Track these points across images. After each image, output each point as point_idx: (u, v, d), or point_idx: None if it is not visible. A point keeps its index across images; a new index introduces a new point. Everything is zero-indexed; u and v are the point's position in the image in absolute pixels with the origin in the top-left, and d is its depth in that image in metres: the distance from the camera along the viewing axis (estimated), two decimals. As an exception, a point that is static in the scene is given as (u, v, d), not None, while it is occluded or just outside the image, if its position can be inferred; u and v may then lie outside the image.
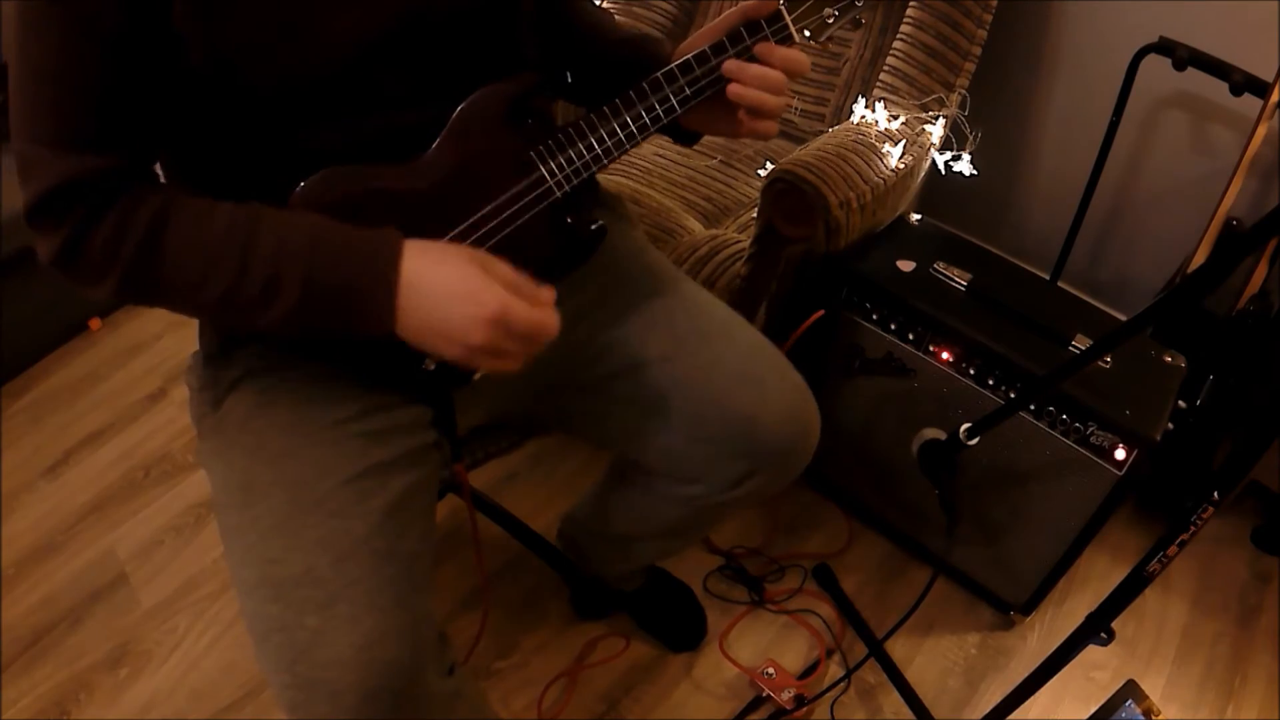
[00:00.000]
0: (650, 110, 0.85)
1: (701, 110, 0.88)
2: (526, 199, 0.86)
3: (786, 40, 0.84)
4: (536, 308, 0.76)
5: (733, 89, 0.83)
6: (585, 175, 0.87)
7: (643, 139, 0.87)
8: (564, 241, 0.91)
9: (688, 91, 0.85)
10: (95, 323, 2.05)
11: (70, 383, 1.93)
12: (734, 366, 1.00)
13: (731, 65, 0.83)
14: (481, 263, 0.76)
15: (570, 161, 0.86)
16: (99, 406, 1.89)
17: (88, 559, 1.62)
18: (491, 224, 0.85)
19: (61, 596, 1.56)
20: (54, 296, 1.93)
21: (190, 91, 0.75)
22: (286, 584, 0.78)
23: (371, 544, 0.80)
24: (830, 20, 0.85)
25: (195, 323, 0.95)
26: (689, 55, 0.84)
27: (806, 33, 0.85)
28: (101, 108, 0.72)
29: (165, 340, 2.03)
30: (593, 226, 0.92)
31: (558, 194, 0.87)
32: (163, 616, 1.53)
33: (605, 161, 0.87)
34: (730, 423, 0.99)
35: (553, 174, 0.86)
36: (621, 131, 0.85)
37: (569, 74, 1.02)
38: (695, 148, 1.71)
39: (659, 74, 0.84)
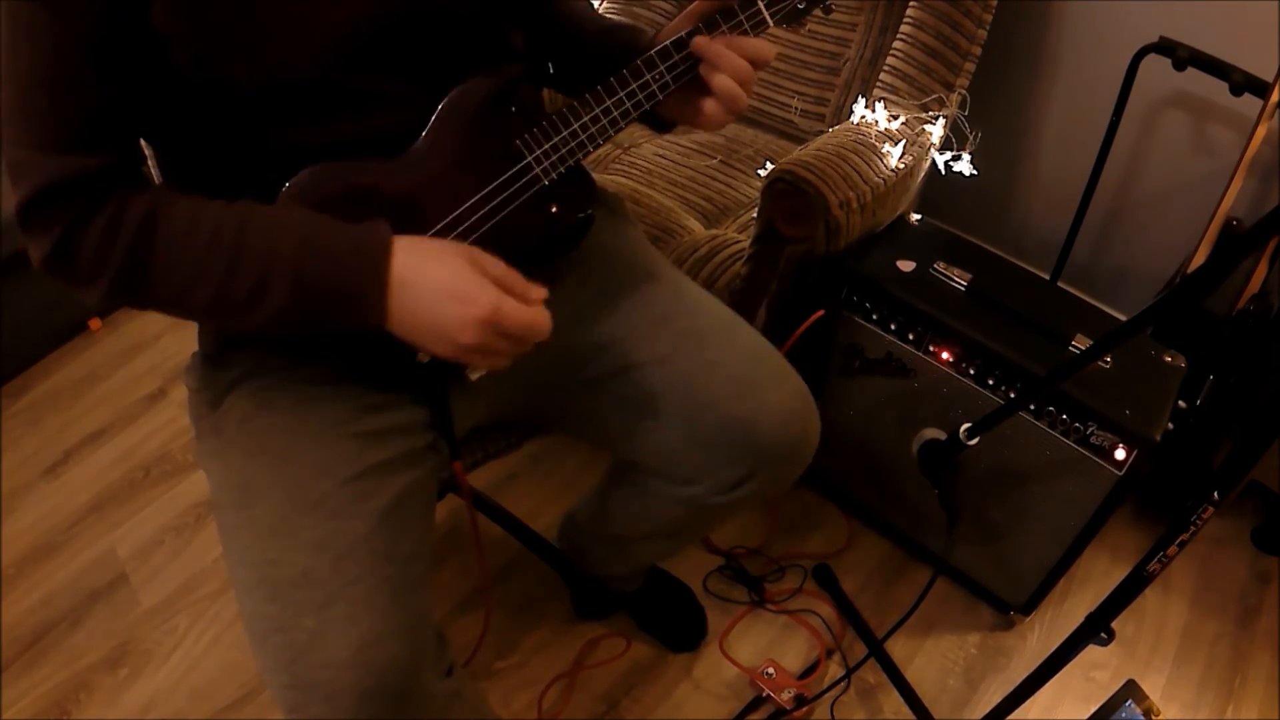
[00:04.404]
0: (632, 96, 0.85)
1: (677, 97, 0.88)
2: (514, 187, 0.86)
3: (760, 25, 0.84)
4: (528, 306, 0.76)
5: (703, 68, 0.83)
6: (571, 161, 0.87)
7: (625, 125, 0.87)
8: (550, 230, 0.91)
9: (668, 77, 0.85)
10: (95, 323, 2.05)
11: (70, 383, 1.94)
12: (732, 369, 0.99)
13: (710, 50, 0.83)
14: (473, 259, 0.76)
15: (556, 149, 0.86)
16: (99, 406, 1.89)
17: (88, 559, 1.62)
18: (480, 213, 0.86)
19: (61, 596, 1.56)
20: (54, 296, 1.93)
21: (177, 91, 0.75)
22: (284, 585, 0.78)
23: (370, 545, 0.80)
24: (801, 5, 0.85)
25: (195, 323, 0.96)
26: (666, 41, 0.84)
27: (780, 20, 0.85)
28: (89, 110, 0.72)
29: (165, 340, 2.03)
30: (580, 215, 0.92)
31: (545, 181, 0.87)
32: (163, 616, 1.53)
33: (590, 148, 0.87)
34: (727, 426, 0.98)
35: (539, 161, 0.86)
36: (605, 118, 0.86)
37: (551, 65, 1.02)
38: (695, 148, 1.72)
39: (639, 60, 0.84)
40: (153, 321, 2.07)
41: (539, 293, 0.78)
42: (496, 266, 0.77)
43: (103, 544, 1.64)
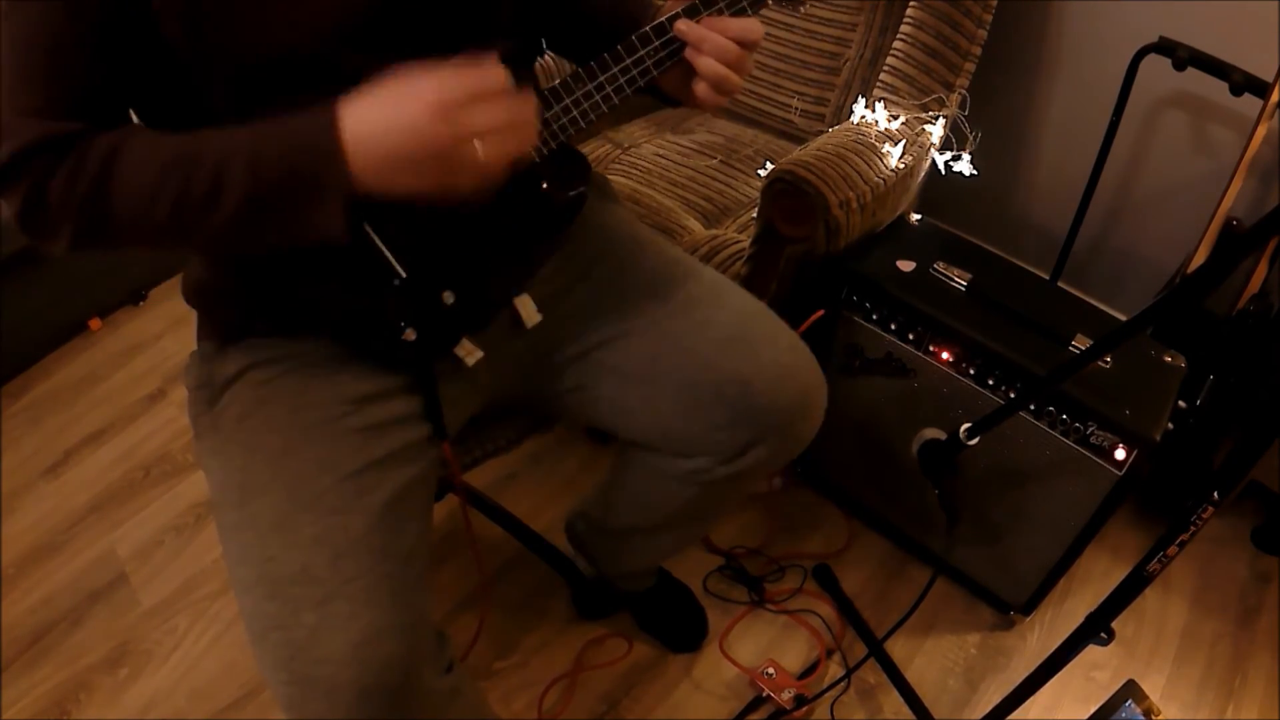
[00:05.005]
0: (623, 74, 0.84)
1: (673, 76, 0.86)
2: None
3: (757, 3, 0.83)
4: (470, 67, 0.72)
5: (688, 52, 0.82)
6: (562, 137, 0.86)
7: (618, 101, 0.86)
8: (540, 208, 0.91)
9: (651, 60, 0.84)
10: (95, 323, 2.05)
11: (70, 383, 1.94)
12: (723, 329, 0.98)
13: (692, 33, 0.81)
14: (394, 74, 0.72)
15: (546, 124, 0.85)
16: (99, 406, 1.89)
17: (88, 559, 1.62)
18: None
19: (61, 596, 1.56)
20: (54, 296, 1.93)
21: (167, 64, 0.74)
22: (283, 582, 0.78)
23: (369, 541, 0.80)
24: None
25: (195, 322, 0.96)
26: (662, 18, 0.83)
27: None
28: (83, 79, 0.72)
29: (165, 340, 2.03)
30: (572, 193, 0.91)
31: (534, 157, 0.86)
32: (163, 616, 1.53)
33: (582, 124, 0.86)
34: (722, 387, 0.96)
35: None
36: (598, 93, 0.84)
37: (544, 41, 1.01)
38: (695, 148, 1.72)
39: (633, 37, 0.83)
40: (153, 321, 2.07)
41: (480, 56, 0.73)
42: (424, 67, 0.72)
43: (103, 544, 1.64)
